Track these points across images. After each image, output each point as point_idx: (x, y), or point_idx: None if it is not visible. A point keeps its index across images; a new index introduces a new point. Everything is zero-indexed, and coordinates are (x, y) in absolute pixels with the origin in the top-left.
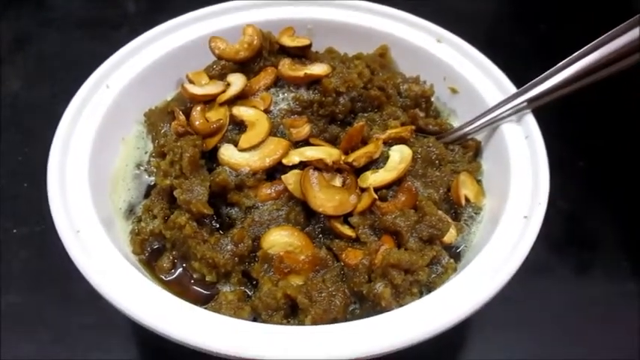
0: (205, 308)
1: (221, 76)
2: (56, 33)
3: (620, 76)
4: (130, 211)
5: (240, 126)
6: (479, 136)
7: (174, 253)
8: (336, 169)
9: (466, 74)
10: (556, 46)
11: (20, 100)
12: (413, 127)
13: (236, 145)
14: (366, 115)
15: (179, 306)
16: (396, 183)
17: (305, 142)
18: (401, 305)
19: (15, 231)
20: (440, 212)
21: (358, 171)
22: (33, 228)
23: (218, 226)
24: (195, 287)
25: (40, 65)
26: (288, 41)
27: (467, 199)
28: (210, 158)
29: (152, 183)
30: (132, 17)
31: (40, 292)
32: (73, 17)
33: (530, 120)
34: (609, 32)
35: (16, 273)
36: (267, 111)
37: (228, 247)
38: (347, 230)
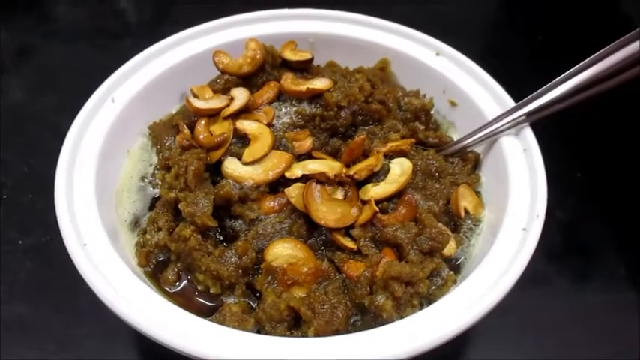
0: (210, 320)
1: (225, 90)
2: (60, 44)
3: (617, 89)
4: (135, 223)
5: (243, 139)
6: (478, 149)
7: (179, 265)
8: (337, 182)
9: (465, 87)
10: (553, 57)
11: (24, 110)
12: (413, 140)
13: (240, 158)
14: (367, 128)
15: (184, 317)
16: (397, 195)
17: (307, 156)
18: (402, 317)
19: (20, 242)
20: (440, 224)
21: (359, 184)
22: (38, 239)
23: (222, 238)
24: (199, 299)
25: (44, 76)
26: (290, 55)
27: (466, 212)
28: (215, 171)
29: (157, 195)
30: (135, 28)
31: (44, 302)
32: (77, 28)
33: (528, 133)
34: (607, 47)
35: (21, 283)
36: (269, 125)
37: (232, 259)
38: (349, 242)
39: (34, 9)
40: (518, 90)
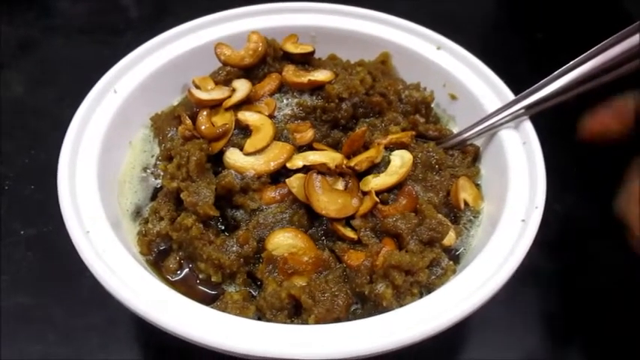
0: (211, 308)
1: (226, 82)
2: (61, 38)
3: (616, 83)
4: (137, 213)
5: (245, 130)
6: (478, 142)
7: (180, 254)
8: (338, 173)
9: (465, 81)
10: (553, 53)
11: (26, 103)
12: (413, 132)
13: (241, 149)
14: (367, 120)
15: (186, 304)
16: (397, 187)
17: (308, 147)
18: (401, 305)
19: (22, 232)
20: (440, 215)
21: (360, 175)
22: (40, 229)
23: (224, 227)
24: (201, 287)
25: (45, 70)
26: (291, 48)
27: (466, 203)
28: (216, 162)
29: (158, 185)
30: (135, 22)
31: (46, 293)
32: (78, 23)
33: (527, 126)
34: (607, 40)
35: (23, 274)
36: (271, 116)
37: (234, 248)
38: (349, 232)
39: (34, 3)
40: (518, 86)
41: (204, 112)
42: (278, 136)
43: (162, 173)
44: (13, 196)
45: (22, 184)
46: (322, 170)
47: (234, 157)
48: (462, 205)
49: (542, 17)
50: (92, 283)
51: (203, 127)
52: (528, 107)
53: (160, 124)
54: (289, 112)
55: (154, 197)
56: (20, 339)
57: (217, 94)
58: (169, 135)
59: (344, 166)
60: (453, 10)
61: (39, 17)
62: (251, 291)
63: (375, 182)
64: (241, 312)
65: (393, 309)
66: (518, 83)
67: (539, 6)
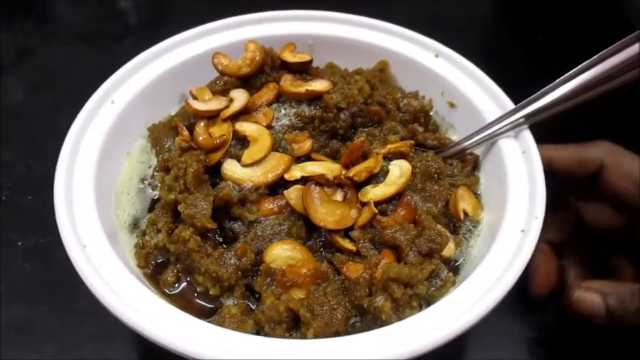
0: (209, 321)
1: (224, 92)
2: (59, 45)
3: (616, 92)
4: (135, 224)
5: (243, 141)
6: (477, 151)
7: (178, 266)
8: (337, 183)
9: (464, 89)
10: (553, 58)
11: (24, 111)
12: (412, 141)
13: (239, 160)
14: (366, 130)
15: (183, 319)
16: (396, 197)
17: (306, 157)
18: (401, 318)
19: (19, 243)
20: (439, 226)
21: (359, 185)
22: (37, 240)
23: (221, 240)
24: (198, 300)
25: (43, 77)
26: (289, 57)
27: (465, 213)
28: (214, 173)
29: (156, 197)
30: (134, 30)
31: (44, 304)
32: (76, 30)
33: (527, 135)
34: (608, 48)
35: (20, 285)
36: (269, 126)
37: (232, 260)
38: (348, 244)
39: (33, 10)
40: (517, 91)
41: (202, 123)
42: (276, 147)
43: (159, 184)
44: (11, 206)
45: (19, 195)
46: (320, 181)
47: (231, 168)
48: (462, 215)
49: (542, 19)
50: (90, 294)
51: (200, 138)
52: (528, 116)
53: (158, 135)
54: (287, 123)
55: (151, 209)
56: (18, 350)
57: (215, 104)
58: (167, 146)
59: (342, 176)
60: (451, 14)
61: (38, 24)
62: (249, 304)
63: (374, 193)
64: (239, 326)
65: (392, 322)
66: (519, 87)
67: (538, 8)
